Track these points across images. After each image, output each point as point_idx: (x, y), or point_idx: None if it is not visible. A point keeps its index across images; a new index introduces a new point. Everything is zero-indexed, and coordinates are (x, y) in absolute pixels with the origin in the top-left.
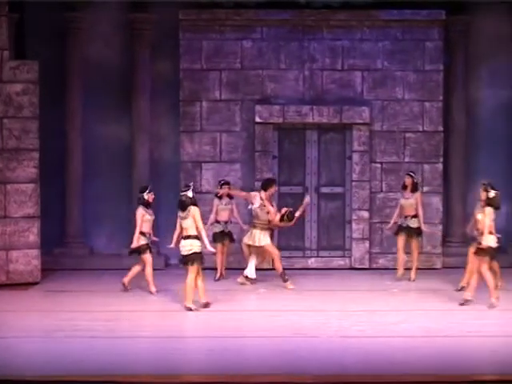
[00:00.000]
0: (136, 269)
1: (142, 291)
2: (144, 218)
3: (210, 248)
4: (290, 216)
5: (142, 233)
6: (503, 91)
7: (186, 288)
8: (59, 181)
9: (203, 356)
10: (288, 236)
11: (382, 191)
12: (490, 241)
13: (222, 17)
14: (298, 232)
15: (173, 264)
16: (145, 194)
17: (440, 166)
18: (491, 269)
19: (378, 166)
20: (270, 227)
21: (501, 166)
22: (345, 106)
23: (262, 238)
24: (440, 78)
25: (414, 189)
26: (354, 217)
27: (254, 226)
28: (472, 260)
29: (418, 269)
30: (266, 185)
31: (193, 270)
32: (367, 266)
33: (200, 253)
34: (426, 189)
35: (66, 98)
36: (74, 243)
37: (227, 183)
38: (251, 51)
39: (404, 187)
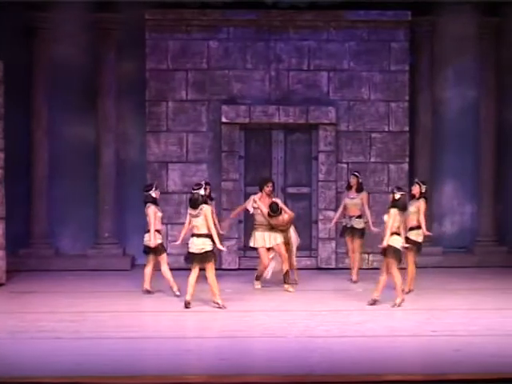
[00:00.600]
0: (158, 270)
1: (108, 291)
2: (156, 216)
3: (220, 247)
4: (273, 208)
5: (156, 230)
6: (469, 91)
7: (211, 287)
8: (24, 181)
9: (167, 357)
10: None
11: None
12: (393, 241)
13: (188, 17)
14: None
15: (140, 265)
16: (152, 191)
17: (406, 166)
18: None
19: (344, 166)
20: (276, 228)
21: (466, 165)
22: (311, 106)
23: (256, 241)
24: (406, 78)
25: (360, 189)
26: (321, 217)
27: (254, 228)
28: (409, 262)
29: (360, 269)
30: (260, 185)
31: (211, 267)
32: (333, 266)
33: (212, 250)
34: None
35: (31, 98)
36: (39, 244)
37: (208, 184)
38: (217, 51)
39: (349, 187)
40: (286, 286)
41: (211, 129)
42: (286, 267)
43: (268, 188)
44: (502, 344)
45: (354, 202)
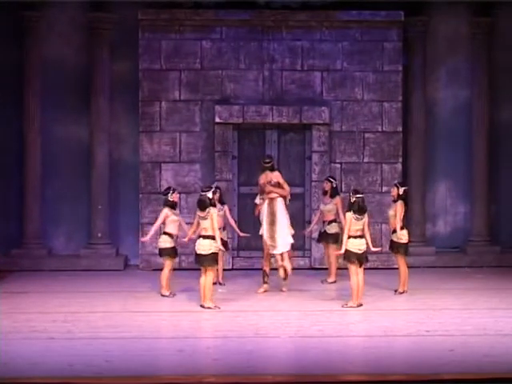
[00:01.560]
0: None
1: (101, 292)
2: (169, 219)
3: (221, 247)
4: (268, 155)
5: (169, 234)
6: (461, 91)
7: (204, 288)
8: (17, 181)
9: (160, 358)
10: (248, 236)
11: (341, 191)
12: (349, 245)
13: (181, 17)
14: (257, 232)
15: (132, 265)
16: (169, 195)
17: (399, 166)
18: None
19: (338, 166)
20: (265, 191)
21: (459, 165)
22: (304, 106)
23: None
24: (399, 78)
25: (333, 194)
26: (314, 217)
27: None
28: (399, 263)
29: (338, 268)
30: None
31: (212, 269)
32: (327, 266)
33: (217, 253)
34: (385, 189)
35: (24, 98)
36: (32, 244)
37: (218, 188)
38: (211, 51)
39: (324, 192)
40: (283, 282)
41: (204, 129)
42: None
43: (265, 163)
44: (495, 344)
45: (328, 207)
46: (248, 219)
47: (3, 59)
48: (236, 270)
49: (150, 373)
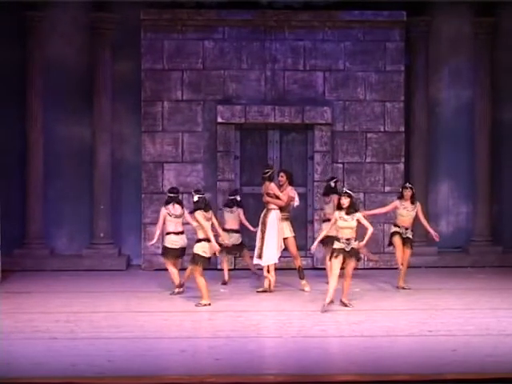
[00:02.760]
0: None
1: (103, 292)
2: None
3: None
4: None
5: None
6: (464, 91)
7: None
8: (20, 181)
9: (162, 357)
10: (250, 236)
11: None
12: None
13: (183, 17)
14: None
15: (134, 265)
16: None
17: (401, 166)
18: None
19: (340, 166)
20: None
21: (462, 165)
22: (306, 106)
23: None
24: (401, 78)
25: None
26: (316, 217)
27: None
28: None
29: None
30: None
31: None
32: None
33: (197, 254)
34: (387, 189)
35: (26, 98)
36: (34, 244)
37: (237, 191)
38: (213, 51)
39: None
40: (302, 282)
41: (207, 129)
42: (297, 263)
43: (263, 173)
44: (498, 344)
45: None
46: (250, 219)
47: (6, 59)
48: (238, 269)
49: (152, 373)
